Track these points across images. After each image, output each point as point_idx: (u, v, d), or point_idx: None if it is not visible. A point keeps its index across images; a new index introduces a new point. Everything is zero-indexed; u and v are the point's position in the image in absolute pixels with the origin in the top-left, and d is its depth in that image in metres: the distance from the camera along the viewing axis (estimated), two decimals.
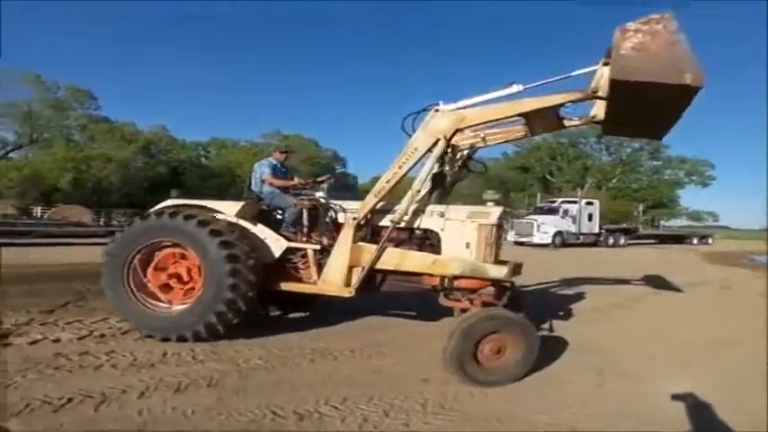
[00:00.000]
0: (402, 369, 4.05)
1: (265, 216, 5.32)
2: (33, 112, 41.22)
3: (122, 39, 70.58)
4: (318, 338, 4.83)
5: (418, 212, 4.71)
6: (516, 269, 4.67)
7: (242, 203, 5.10)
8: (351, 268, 4.57)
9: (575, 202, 27.53)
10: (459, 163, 5.36)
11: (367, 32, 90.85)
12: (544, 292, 8.51)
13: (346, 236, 4.59)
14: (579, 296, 8.20)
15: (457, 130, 4.41)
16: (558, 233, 25.62)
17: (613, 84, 3.51)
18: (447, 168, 5.22)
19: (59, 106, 42.41)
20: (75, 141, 42.13)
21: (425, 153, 4.41)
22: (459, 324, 3.85)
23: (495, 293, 4.48)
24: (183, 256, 4.74)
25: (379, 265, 4.53)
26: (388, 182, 4.47)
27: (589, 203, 28.30)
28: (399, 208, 4.50)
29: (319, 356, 4.26)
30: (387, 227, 4.53)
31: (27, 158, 40.55)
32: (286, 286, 4.85)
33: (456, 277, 4.47)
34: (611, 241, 28.40)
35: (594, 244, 27.21)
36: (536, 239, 25.17)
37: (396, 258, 4.53)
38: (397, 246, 4.65)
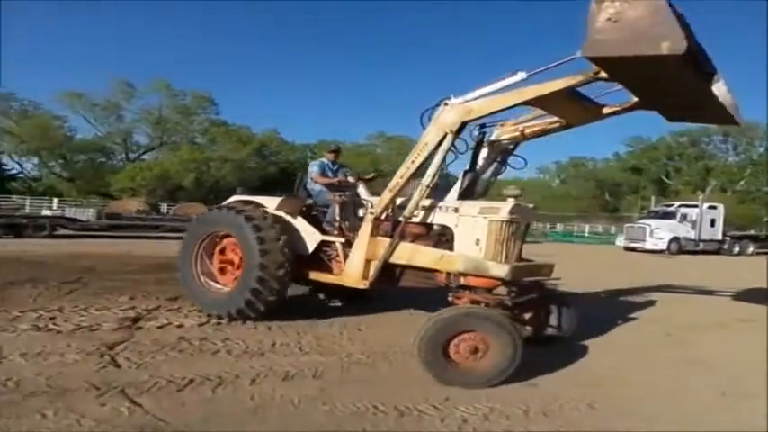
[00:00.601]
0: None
1: (314, 212, 5.74)
2: (163, 118, 45.41)
3: (236, 44, 75.35)
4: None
5: (434, 208, 4.73)
6: (537, 270, 4.63)
7: (280, 198, 5.59)
8: (368, 261, 4.71)
9: (695, 206, 25.38)
10: (499, 159, 5.16)
11: (483, 31, 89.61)
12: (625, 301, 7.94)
13: (365, 230, 4.78)
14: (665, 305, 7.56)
15: (464, 124, 4.34)
16: (675, 239, 23.78)
17: (594, 62, 3.28)
18: (480, 165, 5.17)
19: (185, 111, 46.44)
20: (198, 144, 45.69)
21: (436, 148, 4.39)
22: (434, 317, 3.78)
23: (510, 293, 4.28)
24: (237, 245, 5.23)
25: (393, 260, 4.63)
26: (401, 177, 4.58)
27: (712, 207, 26.02)
28: (410, 204, 4.54)
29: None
30: (414, 222, 4.68)
31: (157, 160, 44.66)
32: (316, 276, 5.27)
33: (461, 274, 4.37)
34: (736, 249, 25.84)
35: (717, 252, 24.90)
36: (648, 245, 23.55)
37: (408, 253, 4.59)
38: (413, 241, 4.70)
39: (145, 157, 46.72)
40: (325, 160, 6.22)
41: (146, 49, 69.81)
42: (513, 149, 5.25)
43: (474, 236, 4.40)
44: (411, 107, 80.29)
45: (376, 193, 5.29)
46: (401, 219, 4.60)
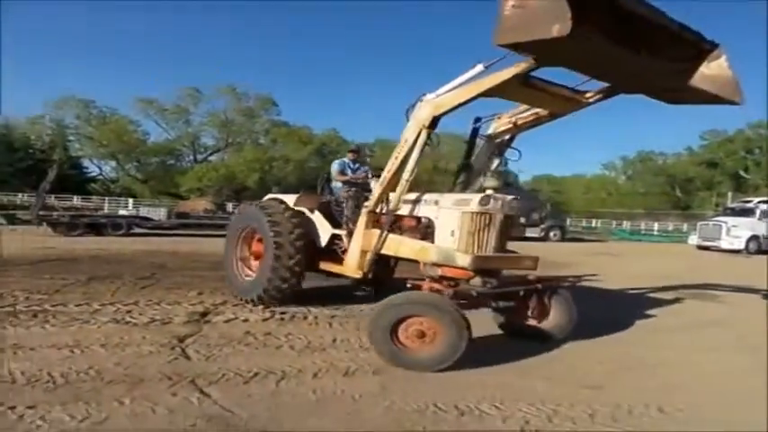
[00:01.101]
0: (569, 375, 3.85)
1: (337, 207, 6.07)
2: (228, 120, 47.12)
3: (296, 45, 76.96)
4: (483, 338, 4.81)
5: (420, 201, 4.91)
6: (516, 262, 4.72)
7: (297, 195, 6.29)
8: (363, 252, 5.00)
9: None
10: (496, 152, 5.21)
11: None
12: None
13: (360, 223, 5.09)
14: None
15: (435, 119, 4.46)
16: (754, 238, 22.20)
17: (508, 48, 3.33)
18: (478, 158, 5.38)
19: (249, 113, 48.03)
20: (261, 145, 47.06)
21: (414, 143, 4.55)
22: (384, 302, 3.94)
23: (486, 284, 4.31)
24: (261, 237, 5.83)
25: (384, 251, 4.87)
26: (388, 172, 4.80)
27: None
28: (393, 198, 4.76)
29: (483, 355, 4.23)
30: (404, 215, 4.94)
31: (223, 161, 46.40)
32: (325, 266, 5.68)
33: (435, 264, 4.48)
34: None
35: None
36: (724, 244, 22.11)
37: (394, 244, 4.83)
38: (403, 233, 4.92)
39: (211, 158, 48.69)
40: (345, 159, 6.86)
41: (209, 52, 72.60)
42: (510, 142, 5.29)
43: (450, 227, 4.52)
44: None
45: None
46: (405, 212, 4.92)
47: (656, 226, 44.66)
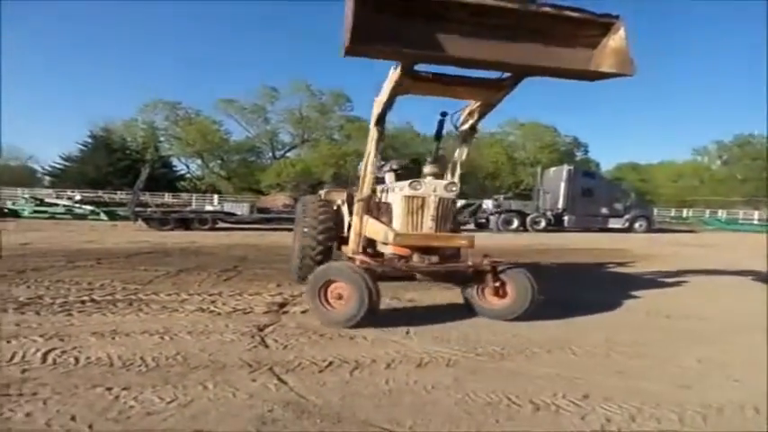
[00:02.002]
0: (653, 373, 3.64)
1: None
2: (303, 117, 48.42)
3: None
4: (558, 331, 4.66)
5: (387, 189, 5.81)
6: (447, 240, 5.07)
7: (326, 190, 7.64)
8: (357, 236, 5.66)
9: None
10: (464, 139, 5.42)
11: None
12: None
13: (355, 210, 5.74)
14: None
15: (378, 117, 5.09)
16: None
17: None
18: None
19: (323, 110, 49.13)
20: (336, 140, 47.99)
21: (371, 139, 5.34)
22: (319, 268, 4.85)
23: (423, 261, 4.96)
24: None
25: (367, 234, 5.58)
26: (365, 165, 5.53)
27: None
28: (361, 186, 5.57)
29: (557, 349, 4.08)
30: (385, 203, 5.63)
31: (299, 157, 47.78)
32: (344, 250, 6.42)
33: (384, 243, 5.18)
34: None
35: None
36: None
37: (371, 228, 5.48)
38: (379, 218, 5.47)
39: (289, 154, 50.25)
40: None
41: (282, 51, 74.76)
42: (473, 131, 5.42)
43: (397, 211, 5.16)
44: (543, 92, 76.83)
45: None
46: (359, 199, 5.61)
47: (755, 215, 41.19)
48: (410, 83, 4.54)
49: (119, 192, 33.04)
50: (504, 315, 4.91)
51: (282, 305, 5.35)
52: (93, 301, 5.27)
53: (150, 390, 2.92)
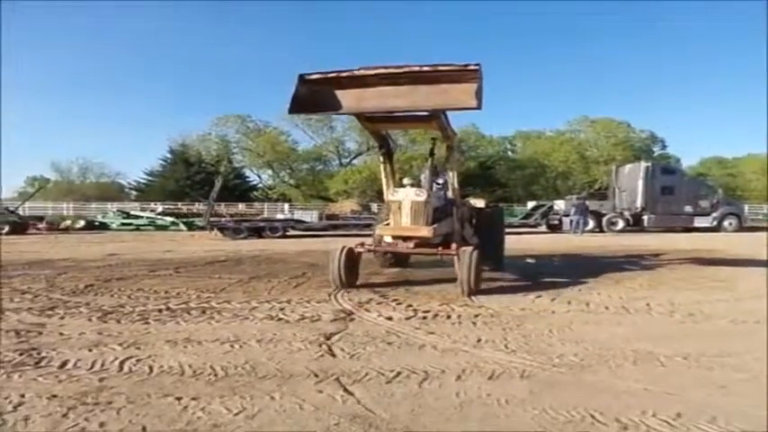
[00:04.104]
0: (756, 389, 3.25)
1: None
2: None
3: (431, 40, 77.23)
4: (641, 339, 4.31)
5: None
6: (414, 231, 6.78)
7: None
8: None
9: None
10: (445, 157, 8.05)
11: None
12: None
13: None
14: None
15: (378, 140, 7.62)
16: None
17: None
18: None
19: None
20: (401, 145, 47.92)
21: None
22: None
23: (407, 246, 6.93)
24: None
25: None
26: (383, 180, 7.71)
27: None
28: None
29: (643, 360, 3.76)
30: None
31: (365, 164, 48.17)
32: None
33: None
34: None
35: None
36: None
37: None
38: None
39: (355, 161, 50.75)
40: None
41: (340, 58, 75.84)
42: (449, 150, 7.61)
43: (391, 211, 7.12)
44: (615, 87, 73.39)
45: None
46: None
47: None
48: (369, 124, 6.91)
49: (196, 203, 34.64)
50: (460, 276, 6.33)
51: (350, 313, 5.30)
52: (168, 309, 5.45)
53: (218, 400, 2.92)
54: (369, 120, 6.78)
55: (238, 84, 76.66)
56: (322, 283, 7.24)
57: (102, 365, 3.56)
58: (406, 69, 5.58)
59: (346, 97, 5.89)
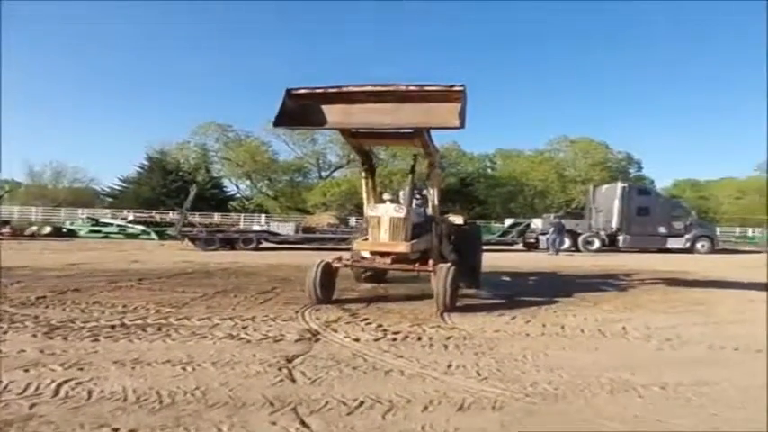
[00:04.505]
0: (745, 416, 3.08)
1: None
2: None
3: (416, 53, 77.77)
4: (617, 366, 4.12)
5: None
6: (392, 246, 6.75)
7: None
8: None
9: None
10: (427, 174, 8.23)
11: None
12: None
13: None
14: None
15: (362, 162, 7.67)
16: None
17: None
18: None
19: None
20: (382, 160, 47.87)
21: None
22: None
23: (384, 262, 6.96)
24: None
25: None
26: (364, 195, 7.61)
27: None
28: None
29: (620, 389, 3.56)
30: None
31: (345, 177, 47.97)
32: None
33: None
34: None
35: None
36: None
37: None
38: None
39: (335, 174, 50.51)
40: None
41: (328, 74, 75.97)
42: (430, 167, 7.78)
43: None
44: (595, 107, 74.73)
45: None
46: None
47: None
48: (353, 140, 6.88)
49: (170, 212, 33.96)
50: (436, 292, 6.33)
51: (316, 333, 5.02)
52: (123, 325, 5.11)
53: None
54: (353, 135, 6.78)
55: (221, 92, 76.15)
56: (290, 299, 6.97)
57: (37, 389, 3.23)
58: (393, 88, 5.71)
59: (332, 113, 6.00)
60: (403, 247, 6.71)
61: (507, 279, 10.76)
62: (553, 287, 9.40)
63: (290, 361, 4.00)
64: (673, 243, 23.87)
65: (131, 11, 72.56)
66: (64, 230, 23.69)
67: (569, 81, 78.63)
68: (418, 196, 8.83)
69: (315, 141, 49.68)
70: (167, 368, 3.74)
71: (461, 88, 5.49)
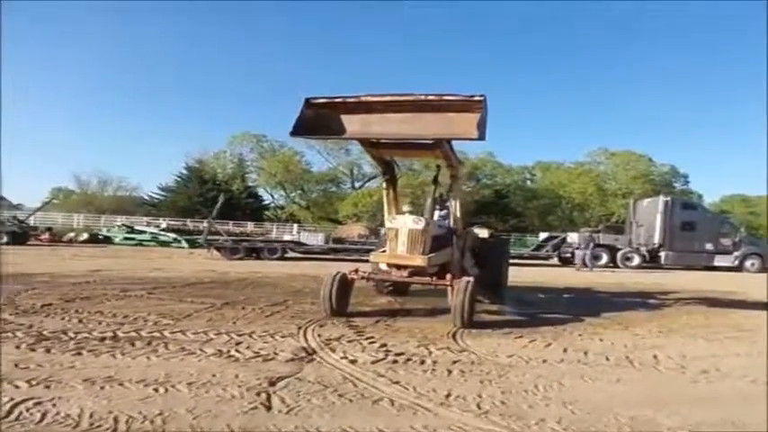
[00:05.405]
0: None
1: None
2: None
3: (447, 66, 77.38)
4: (642, 401, 3.61)
5: None
6: (408, 259, 6.48)
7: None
8: None
9: None
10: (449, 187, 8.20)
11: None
12: None
13: None
14: None
15: (383, 172, 7.45)
16: None
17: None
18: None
19: None
20: (414, 170, 47.56)
21: None
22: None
23: (400, 274, 6.66)
24: None
25: None
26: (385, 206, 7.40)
27: None
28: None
29: (641, 431, 3.08)
30: None
31: (378, 187, 47.71)
32: None
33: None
34: None
35: None
36: None
37: None
38: None
39: (369, 184, 50.34)
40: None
41: (361, 83, 76.26)
42: (454, 179, 7.69)
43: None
44: (635, 119, 72.50)
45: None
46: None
47: None
48: (374, 151, 6.77)
49: (204, 220, 34.41)
50: (453, 308, 6.04)
51: (312, 352, 4.67)
52: (114, 338, 4.88)
53: None
54: (373, 145, 6.66)
55: (257, 103, 77.50)
56: (298, 313, 6.66)
57: None
58: (412, 98, 5.59)
59: (350, 122, 5.90)
60: (420, 261, 6.46)
61: (534, 295, 10.20)
62: (583, 305, 8.79)
63: (272, 384, 3.66)
64: (720, 260, 22.61)
65: (170, 21, 74.78)
66: (100, 237, 24.23)
67: (614, 92, 76.33)
68: (441, 208, 8.49)
69: (349, 152, 49.64)
70: (138, 389, 3.44)
71: (481, 98, 5.33)
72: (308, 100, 5.86)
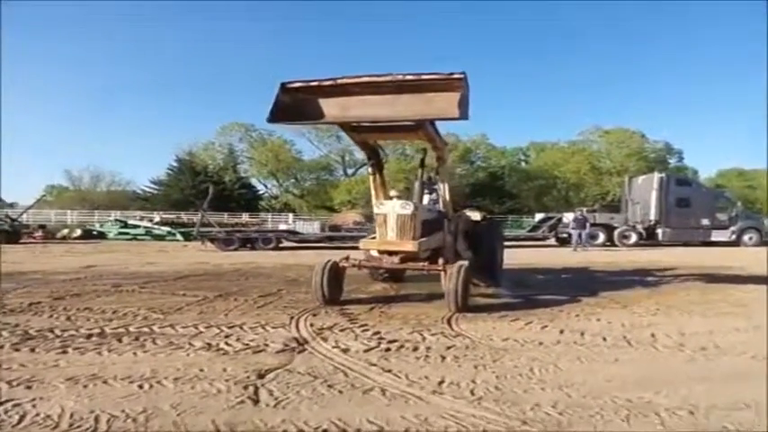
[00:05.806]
0: None
1: None
2: None
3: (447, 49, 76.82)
4: (640, 382, 3.54)
5: None
6: (399, 245, 6.44)
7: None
8: None
9: None
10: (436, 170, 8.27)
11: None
12: None
13: None
14: None
15: (368, 158, 7.29)
16: None
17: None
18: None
19: None
20: (407, 155, 47.27)
21: None
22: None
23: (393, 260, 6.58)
24: None
25: None
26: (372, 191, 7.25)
27: None
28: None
29: (639, 413, 2.99)
30: None
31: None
32: None
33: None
34: None
35: None
36: None
37: None
38: None
39: (361, 171, 50.11)
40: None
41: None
42: (440, 159, 7.62)
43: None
44: (628, 97, 72.19)
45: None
46: None
47: None
48: (356, 134, 6.56)
49: (199, 212, 34.22)
50: (446, 293, 5.98)
51: (304, 342, 4.57)
52: (101, 334, 4.78)
53: None
54: (354, 130, 6.47)
55: (245, 93, 76.79)
56: (290, 302, 6.57)
57: None
58: (390, 78, 5.36)
59: (328, 106, 5.72)
60: (411, 246, 6.37)
61: (530, 276, 10.14)
62: (581, 285, 8.74)
63: (261, 377, 3.56)
64: (717, 235, 22.62)
65: (159, 13, 73.83)
66: (94, 233, 24.04)
67: (606, 70, 75.81)
68: (430, 191, 8.40)
69: (340, 139, 49.24)
70: (122, 386, 3.34)
71: (461, 76, 5.12)
72: (283, 84, 5.66)
